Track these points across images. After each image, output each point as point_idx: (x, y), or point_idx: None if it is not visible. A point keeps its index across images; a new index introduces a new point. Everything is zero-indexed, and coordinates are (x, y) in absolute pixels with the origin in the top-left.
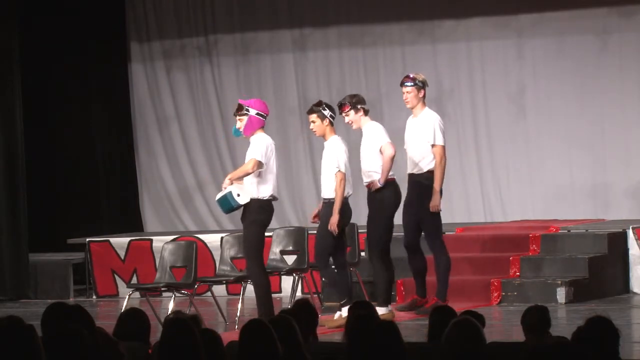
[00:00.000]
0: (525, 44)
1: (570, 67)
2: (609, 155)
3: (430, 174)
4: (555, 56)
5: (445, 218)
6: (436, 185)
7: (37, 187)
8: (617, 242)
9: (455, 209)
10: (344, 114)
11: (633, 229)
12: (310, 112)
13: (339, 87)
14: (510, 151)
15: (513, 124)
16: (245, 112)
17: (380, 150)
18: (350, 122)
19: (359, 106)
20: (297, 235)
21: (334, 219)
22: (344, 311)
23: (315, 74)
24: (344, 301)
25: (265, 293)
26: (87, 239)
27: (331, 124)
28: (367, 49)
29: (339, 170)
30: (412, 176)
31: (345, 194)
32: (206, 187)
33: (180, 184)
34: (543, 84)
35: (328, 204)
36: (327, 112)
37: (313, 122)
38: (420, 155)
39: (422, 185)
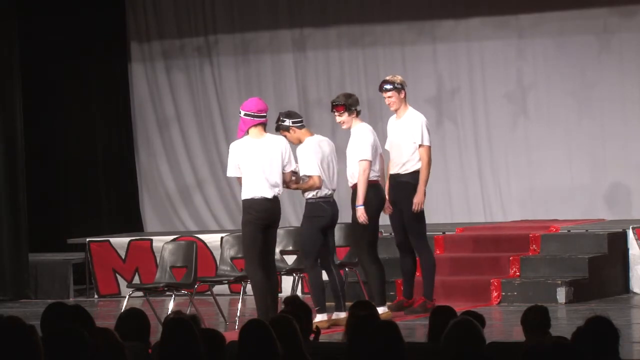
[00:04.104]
0: (525, 44)
1: (571, 67)
2: (609, 155)
3: (416, 174)
4: (555, 56)
5: (445, 218)
6: (422, 185)
7: (37, 187)
8: (617, 242)
9: (455, 209)
10: (336, 114)
11: (633, 229)
12: (277, 129)
13: (339, 87)
14: (510, 151)
15: (513, 123)
16: (239, 114)
17: (358, 161)
18: (342, 122)
19: (353, 108)
20: (297, 235)
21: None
22: (318, 317)
23: (315, 74)
24: (317, 308)
25: (260, 292)
26: (87, 239)
27: (299, 128)
28: (367, 49)
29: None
30: (397, 176)
31: (326, 193)
32: (206, 187)
33: (180, 183)
34: (543, 84)
35: (307, 203)
36: (287, 122)
37: (285, 136)
38: (407, 155)
39: (409, 185)
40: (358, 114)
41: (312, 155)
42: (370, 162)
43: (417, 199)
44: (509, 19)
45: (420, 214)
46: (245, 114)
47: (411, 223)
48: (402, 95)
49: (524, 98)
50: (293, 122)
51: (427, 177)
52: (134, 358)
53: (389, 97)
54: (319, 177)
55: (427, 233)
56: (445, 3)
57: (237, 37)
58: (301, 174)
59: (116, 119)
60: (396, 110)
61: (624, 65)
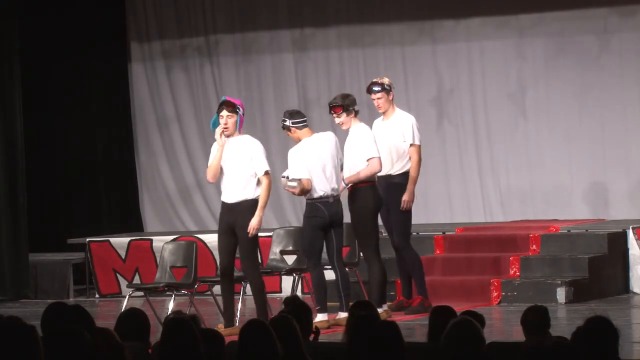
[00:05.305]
0: (525, 44)
1: (571, 67)
2: (608, 155)
3: (408, 174)
4: (555, 56)
5: (445, 218)
6: (411, 184)
7: (37, 187)
8: (617, 242)
9: (455, 209)
10: (335, 115)
11: (633, 229)
12: (282, 128)
13: (339, 87)
14: (510, 151)
15: (513, 124)
16: (237, 110)
17: (366, 160)
18: (340, 123)
19: (351, 108)
20: (297, 235)
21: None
22: (319, 317)
23: (315, 74)
24: (317, 308)
25: (264, 293)
26: (87, 239)
27: (299, 129)
28: (367, 49)
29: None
30: (389, 177)
31: (322, 194)
32: (206, 187)
33: (180, 183)
34: (543, 84)
35: (305, 204)
36: (287, 122)
37: (288, 134)
38: (397, 155)
39: (400, 185)
40: (356, 114)
41: (299, 158)
42: (380, 158)
43: (406, 197)
44: (509, 19)
45: (407, 214)
46: (243, 113)
47: (397, 222)
48: (391, 97)
49: (524, 98)
50: (293, 123)
51: (417, 176)
52: (134, 358)
53: (378, 98)
54: (308, 180)
55: (427, 233)
56: (445, 3)
57: (237, 37)
58: (290, 177)
59: (116, 119)
60: (384, 112)
61: (624, 66)
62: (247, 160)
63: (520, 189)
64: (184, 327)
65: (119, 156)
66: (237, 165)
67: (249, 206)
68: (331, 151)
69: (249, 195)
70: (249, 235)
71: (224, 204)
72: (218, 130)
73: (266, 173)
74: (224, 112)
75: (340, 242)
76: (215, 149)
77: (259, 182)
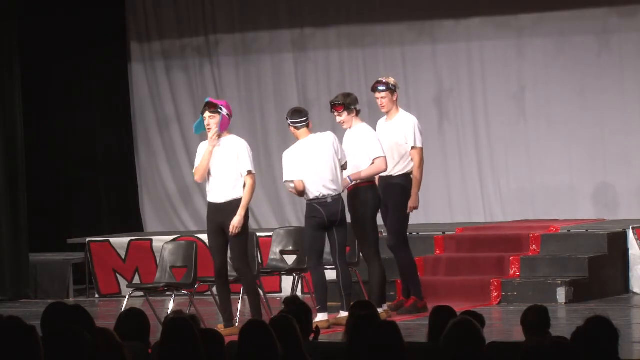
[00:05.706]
0: (525, 44)
1: (571, 67)
2: (609, 155)
3: (407, 176)
4: (555, 56)
5: (445, 218)
6: (416, 188)
7: (38, 187)
8: (617, 242)
9: (455, 209)
10: (336, 114)
11: (633, 229)
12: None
13: (339, 87)
14: (510, 151)
15: (513, 123)
16: (219, 110)
17: (372, 160)
18: (342, 122)
19: (352, 107)
20: (297, 235)
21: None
22: (319, 317)
23: (315, 74)
24: (318, 307)
25: (257, 293)
26: (87, 239)
27: (296, 129)
28: (367, 49)
29: (290, 182)
30: (389, 178)
31: (318, 194)
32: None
33: (180, 184)
34: (543, 84)
35: (306, 205)
36: (288, 121)
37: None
38: (399, 157)
39: (400, 186)
40: (358, 113)
41: (290, 160)
42: (385, 157)
43: (412, 203)
44: (509, 19)
45: (404, 214)
46: (227, 114)
47: (393, 222)
48: (395, 98)
49: (524, 98)
50: (292, 122)
51: (421, 179)
52: (134, 358)
53: (382, 97)
54: (300, 181)
55: (427, 233)
56: (445, 3)
57: (237, 37)
58: (284, 180)
59: (116, 119)
60: (387, 112)
61: (624, 65)
62: (235, 160)
63: (520, 189)
64: (184, 327)
65: (119, 156)
66: (225, 165)
67: (239, 205)
68: (327, 151)
69: (238, 194)
70: (231, 234)
71: (211, 205)
72: (213, 132)
73: (249, 173)
74: (206, 114)
75: (342, 240)
76: (202, 149)
77: (243, 182)
